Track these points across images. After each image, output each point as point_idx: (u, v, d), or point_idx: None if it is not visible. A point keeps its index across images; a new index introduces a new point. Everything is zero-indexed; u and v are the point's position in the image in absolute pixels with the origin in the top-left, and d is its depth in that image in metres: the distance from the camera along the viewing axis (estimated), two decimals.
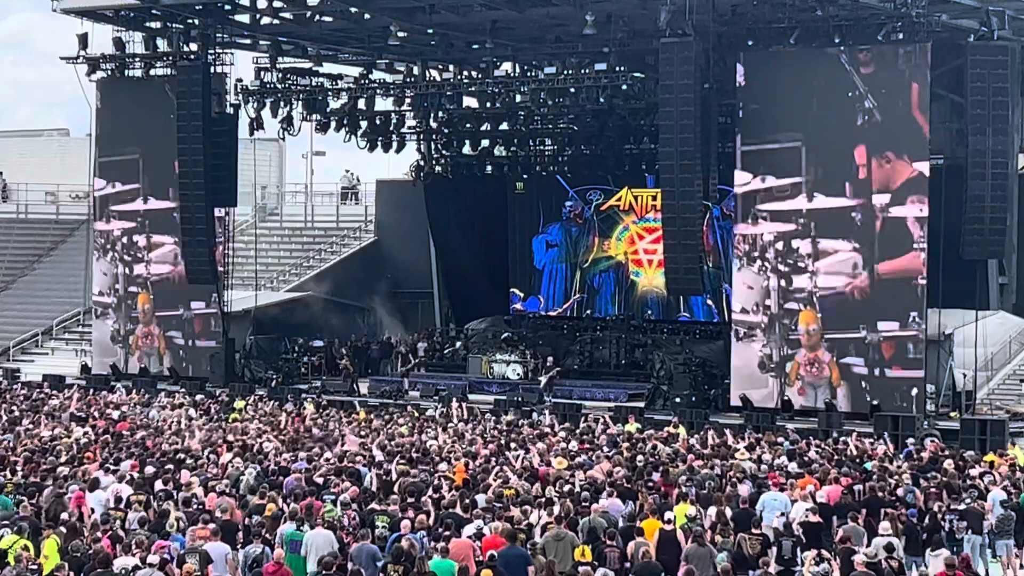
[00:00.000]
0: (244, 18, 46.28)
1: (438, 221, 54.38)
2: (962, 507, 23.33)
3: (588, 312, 52.26)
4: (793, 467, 27.12)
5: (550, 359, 44.94)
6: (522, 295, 54.05)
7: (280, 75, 47.43)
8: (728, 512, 22.28)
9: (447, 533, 20.20)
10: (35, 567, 18.11)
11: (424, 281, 55.35)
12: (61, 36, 48.83)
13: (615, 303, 51.99)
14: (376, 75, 49.25)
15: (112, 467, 25.35)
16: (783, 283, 39.07)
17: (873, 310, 37.93)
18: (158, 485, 24.04)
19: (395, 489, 23.98)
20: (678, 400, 39.88)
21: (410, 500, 22.71)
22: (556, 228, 53.49)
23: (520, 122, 51.54)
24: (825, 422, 36.43)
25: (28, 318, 56.53)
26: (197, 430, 31.69)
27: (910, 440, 33.18)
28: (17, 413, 35.30)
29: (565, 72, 42.47)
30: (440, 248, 54.56)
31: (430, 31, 45.10)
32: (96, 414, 35.63)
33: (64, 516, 21.16)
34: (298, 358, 48.69)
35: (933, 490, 24.63)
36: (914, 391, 37.11)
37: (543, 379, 43.70)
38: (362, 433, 31.90)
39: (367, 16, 44.27)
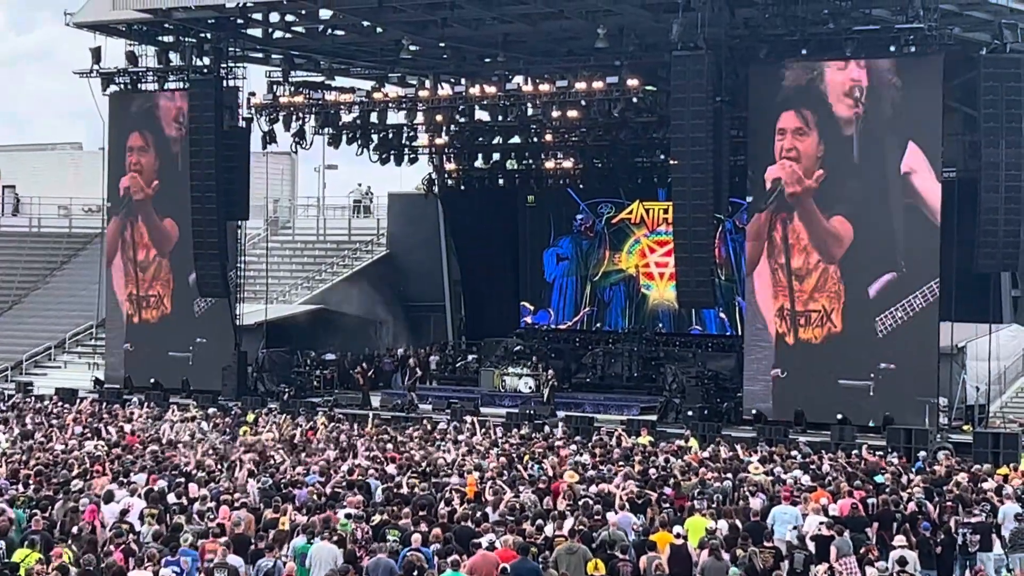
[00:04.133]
0: (257, 32, 46.41)
1: (456, 233, 54.63)
2: (975, 521, 23.26)
3: (598, 325, 52.29)
4: (806, 480, 27.06)
5: (550, 372, 44.99)
6: (532, 308, 54.06)
7: (292, 89, 47.53)
8: (739, 525, 22.24)
9: (475, 539, 20.20)
10: None
11: (436, 294, 55.37)
12: (84, 49, 49.43)
13: (626, 316, 51.99)
14: (388, 88, 49.31)
15: (124, 480, 25.37)
16: None
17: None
18: (171, 499, 24.04)
19: (407, 502, 23.96)
20: (690, 413, 39.81)
21: (421, 513, 22.69)
22: (567, 241, 53.52)
23: (532, 135, 51.56)
24: (838, 435, 36.34)
25: (41, 331, 56.59)
26: (207, 443, 31.72)
27: (922, 453, 33.11)
28: (30, 427, 35.33)
29: (577, 85, 42.46)
30: (459, 260, 54.79)
31: (442, 44, 45.20)
32: (112, 429, 35.61)
33: (76, 530, 21.17)
34: (310, 371, 48.73)
35: (948, 504, 24.56)
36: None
37: (545, 392, 43.86)
38: (372, 446, 31.86)
39: (379, 30, 44.39)
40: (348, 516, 21.90)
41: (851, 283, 37.92)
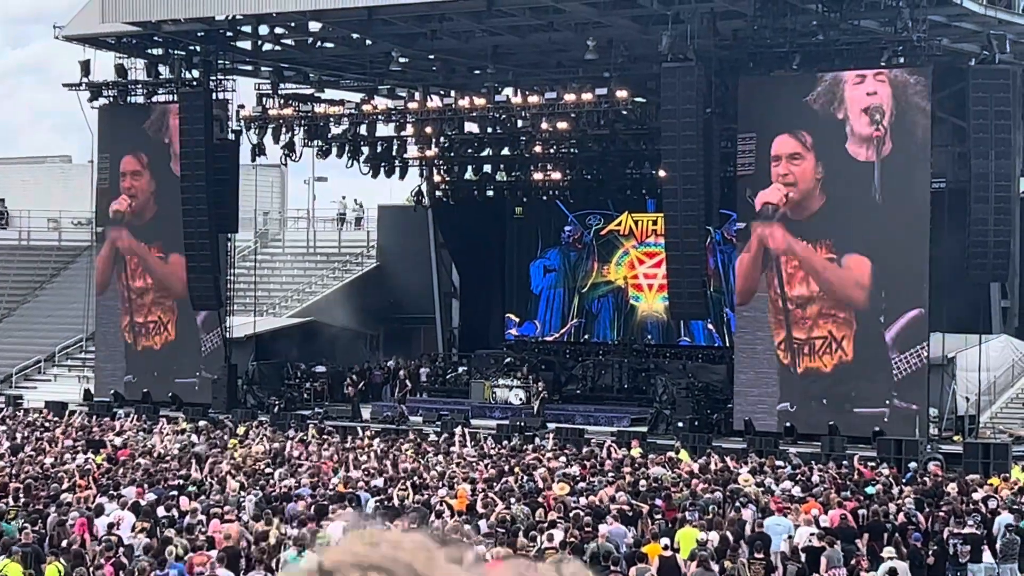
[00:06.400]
0: (246, 44, 46.40)
1: (446, 245, 54.71)
2: (966, 531, 23.27)
3: (586, 337, 52.27)
4: (796, 491, 27.06)
5: (540, 384, 44.95)
6: (518, 320, 54.05)
7: (282, 101, 47.49)
8: (731, 537, 22.22)
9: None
10: None
11: (426, 306, 55.38)
12: (77, 63, 49.35)
13: (614, 328, 51.98)
14: (377, 101, 49.32)
15: (113, 493, 25.30)
16: None
17: None
18: (160, 512, 23.98)
19: (397, 515, 23.91)
20: (680, 425, 39.79)
21: (412, 526, 22.62)
22: (554, 253, 53.52)
23: (521, 147, 51.61)
24: (828, 446, 36.33)
25: (31, 345, 56.46)
26: (206, 457, 31.64)
27: (912, 464, 33.13)
28: (19, 440, 35.23)
29: (566, 97, 42.48)
30: (449, 272, 54.84)
31: (431, 57, 45.23)
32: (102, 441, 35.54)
33: (66, 543, 21.11)
34: (300, 384, 48.65)
35: (940, 514, 24.56)
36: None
37: (535, 404, 43.81)
38: (362, 458, 31.83)
39: (368, 42, 44.41)
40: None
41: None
